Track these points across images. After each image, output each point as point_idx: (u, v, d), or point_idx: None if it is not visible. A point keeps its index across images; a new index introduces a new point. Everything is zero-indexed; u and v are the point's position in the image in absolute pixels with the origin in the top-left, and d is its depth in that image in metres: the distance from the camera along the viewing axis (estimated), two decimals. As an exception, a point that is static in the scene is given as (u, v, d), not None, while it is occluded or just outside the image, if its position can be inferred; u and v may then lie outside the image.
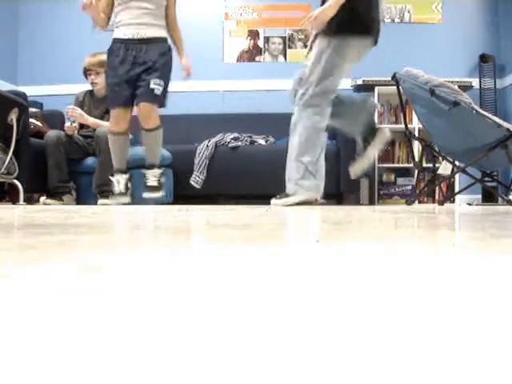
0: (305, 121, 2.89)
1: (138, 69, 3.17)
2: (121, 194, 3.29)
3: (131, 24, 3.19)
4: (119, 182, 3.31)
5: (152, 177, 3.33)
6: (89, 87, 3.89)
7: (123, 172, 3.34)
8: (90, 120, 3.74)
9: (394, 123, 5.03)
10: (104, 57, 3.75)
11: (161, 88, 3.16)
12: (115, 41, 3.27)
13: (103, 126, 3.67)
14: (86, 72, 3.82)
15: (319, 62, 2.84)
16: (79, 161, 3.75)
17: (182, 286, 0.36)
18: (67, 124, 3.76)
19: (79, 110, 3.72)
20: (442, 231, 1.00)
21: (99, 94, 3.83)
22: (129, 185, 3.37)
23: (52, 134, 3.66)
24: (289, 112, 3.00)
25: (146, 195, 3.32)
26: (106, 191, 3.52)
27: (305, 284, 0.37)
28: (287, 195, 2.81)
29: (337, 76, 2.87)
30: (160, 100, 3.21)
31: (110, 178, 3.31)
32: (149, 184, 3.32)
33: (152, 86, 3.13)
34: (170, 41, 3.31)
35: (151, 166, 3.33)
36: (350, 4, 2.75)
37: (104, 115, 3.80)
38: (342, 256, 0.54)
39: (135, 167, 3.73)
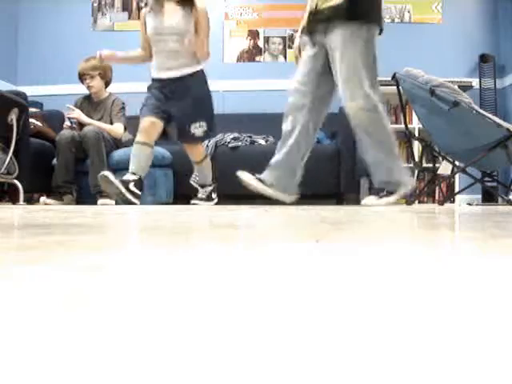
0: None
1: (172, 105, 3.13)
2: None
3: (160, 68, 3.16)
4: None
5: (204, 191, 3.56)
6: (86, 90, 3.91)
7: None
8: (88, 121, 3.75)
9: (394, 123, 5.03)
10: (96, 60, 3.77)
11: (201, 129, 3.18)
12: (152, 79, 3.25)
13: (103, 128, 3.70)
14: (81, 77, 3.84)
15: (363, 53, 2.54)
16: (81, 161, 3.75)
17: (182, 286, 0.36)
18: (67, 123, 3.77)
19: (77, 111, 3.74)
20: (442, 231, 1.00)
21: (96, 97, 3.85)
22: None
23: (66, 133, 3.66)
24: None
25: (193, 201, 3.53)
26: (103, 191, 3.52)
27: (305, 284, 0.37)
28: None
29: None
30: (203, 139, 3.35)
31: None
32: (199, 196, 3.53)
33: (192, 131, 3.17)
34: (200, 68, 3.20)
35: (202, 186, 3.57)
36: None
37: (101, 118, 3.82)
38: (342, 256, 0.54)
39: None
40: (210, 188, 3.59)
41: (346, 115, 4.58)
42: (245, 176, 2.80)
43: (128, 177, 3.07)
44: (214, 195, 3.63)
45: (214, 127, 3.32)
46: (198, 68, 3.17)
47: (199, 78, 3.17)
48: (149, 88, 3.24)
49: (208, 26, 3.13)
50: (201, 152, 3.41)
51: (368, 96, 2.61)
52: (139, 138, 3.13)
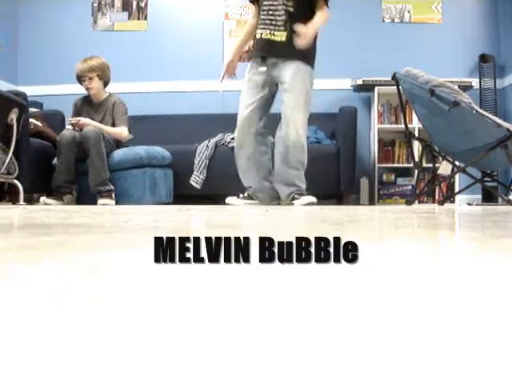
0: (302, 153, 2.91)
1: None
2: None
3: None
4: None
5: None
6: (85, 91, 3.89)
7: None
8: (95, 124, 3.73)
9: (393, 123, 5.03)
10: (94, 61, 3.73)
11: None
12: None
13: (109, 132, 3.69)
14: (80, 79, 3.81)
15: (304, 88, 2.84)
16: (81, 161, 3.74)
17: (182, 286, 0.36)
18: (68, 127, 3.77)
19: (83, 119, 3.69)
20: (442, 231, 1.00)
21: (96, 98, 3.82)
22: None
23: (68, 133, 3.63)
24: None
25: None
26: (102, 191, 3.52)
27: (304, 284, 0.37)
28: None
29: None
30: None
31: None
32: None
33: None
34: None
35: None
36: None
37: (103, 119, 3.80)
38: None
39: (134, 167, 3.73)
40: None
41: (346, 115, 4.54)
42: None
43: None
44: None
45: None
46: None
47: None
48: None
49: None
50: None
51: None
52: None
